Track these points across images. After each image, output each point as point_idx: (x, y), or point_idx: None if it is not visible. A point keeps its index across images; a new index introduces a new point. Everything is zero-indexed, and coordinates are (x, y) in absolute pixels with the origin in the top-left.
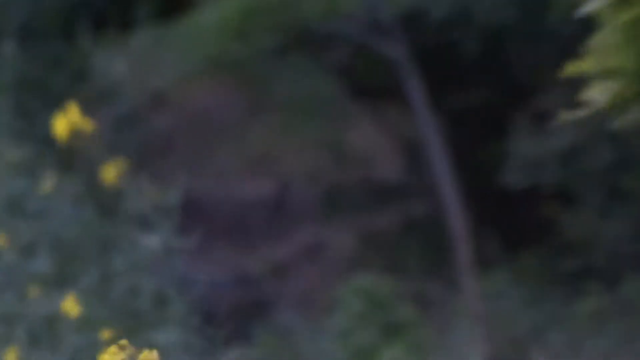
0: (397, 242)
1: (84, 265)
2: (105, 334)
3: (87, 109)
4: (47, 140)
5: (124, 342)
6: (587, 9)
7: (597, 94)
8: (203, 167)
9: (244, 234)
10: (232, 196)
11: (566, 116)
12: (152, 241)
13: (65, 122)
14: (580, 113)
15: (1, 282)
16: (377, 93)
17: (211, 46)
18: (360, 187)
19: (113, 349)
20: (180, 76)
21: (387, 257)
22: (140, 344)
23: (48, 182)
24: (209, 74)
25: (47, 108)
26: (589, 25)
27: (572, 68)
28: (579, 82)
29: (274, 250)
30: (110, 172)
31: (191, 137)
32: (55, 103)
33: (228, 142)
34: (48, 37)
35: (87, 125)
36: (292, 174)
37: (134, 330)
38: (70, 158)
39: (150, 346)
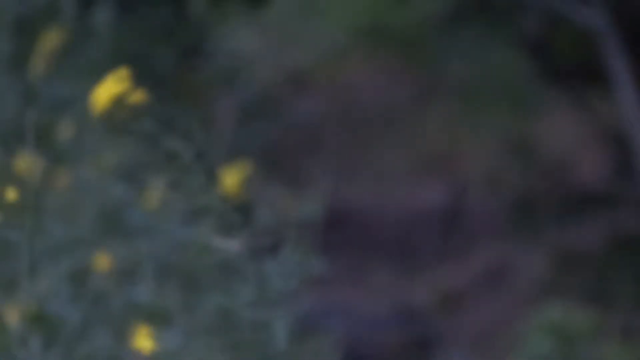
0: (602, 265)
1: (198, 297)
2: None
3: (204, 95)
4: (153, 135)
5: None
6: None
7: None
8: (357, 169)
9: (407, 254)
10: (394, 207)
11: None
12: (229, 245)
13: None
14: None
15: (94, 315)
16: (575, 74)
17: (365, 14)
18: (555, 195)
19: None
20: (327, 53)
21: (589, 283)
22: None
23: (155, 193)
24: (363, 49)
25: (150, 92)
26: None
27: None
28: None
29: (446, 276)
30: (232, 178)
31: (341, 131)
32: (161, 85)
33: (388, 136)
34: (152, 3)
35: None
36: (470, 178)
37: None
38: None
39: None
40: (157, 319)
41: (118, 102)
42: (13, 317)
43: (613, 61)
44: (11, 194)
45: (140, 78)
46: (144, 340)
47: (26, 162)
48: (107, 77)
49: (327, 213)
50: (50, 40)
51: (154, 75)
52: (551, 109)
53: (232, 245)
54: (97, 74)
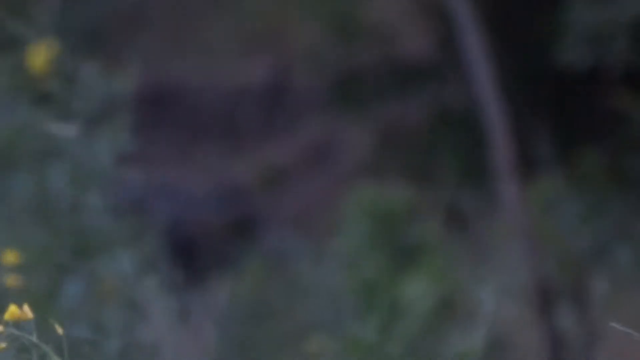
0: (426, 142)
1: (13, 179)
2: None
3: None
4: None
5: None
6: None
7: None
8: (183, 44)
9: (232, 132)
10: (220, 83)
11: None
12: (66, 130)
13: None
14: None
15: None
16: None
17: None
18: (379, 70)
19: None
20: None
21: (412, 160)
22: (82, 275)
23: None
24: None
25: None
26: None
27: None
28: None
29: (270, 154)
30: (40, 55)
31: (169, 5)
32: None
33: (216, 11)
34: None
35: None
36: (294, 53)
37: (77, 257)
38: None
39: (97, 277)
40: None
41: None
42: None
43: None
44: None
45: None
46: None
47: None
48: None
49: (151, 89)
50: None
51: None
52: None
53: (68, 131)
54: None
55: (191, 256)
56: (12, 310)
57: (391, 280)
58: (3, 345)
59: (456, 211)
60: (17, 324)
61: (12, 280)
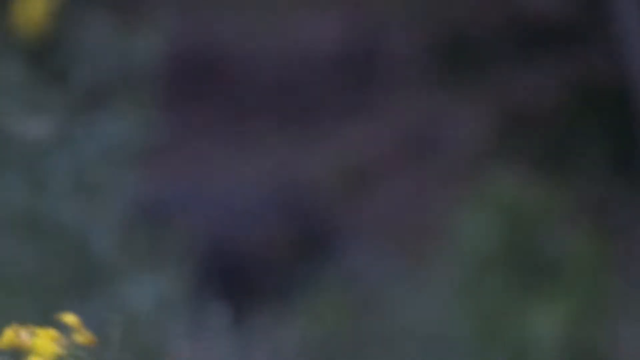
0: (561, 124)
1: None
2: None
3: None
4: None
5: None
6: None
7: None
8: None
9: (296, 115)
10: (276, 47)
11: None
12: (35, 128)
13: None
14: None
15: None
16: None
17: None
18: (499, 30)
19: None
20: None
21: (544, 148)
22: (94, 306)
23: None
24: None
25: None
26: None
27: None
28: None
29: (350, 142)
30: (36, 7)
31: None
32: None
33: None
34: None
35: None
36: (381, 8)
37: (85, 284)
38: None
39: (111, 308)
40: None
41: None
42: None
43: None
44: None
45: None
46: None
47: None
48: None
49: (185, 55)
50: None
51: None
52: None
53: (38, 128)
54: None
55: (243, 285)
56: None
57: (520, 313)
58: None
59: (607, 215)
60: None
61: None
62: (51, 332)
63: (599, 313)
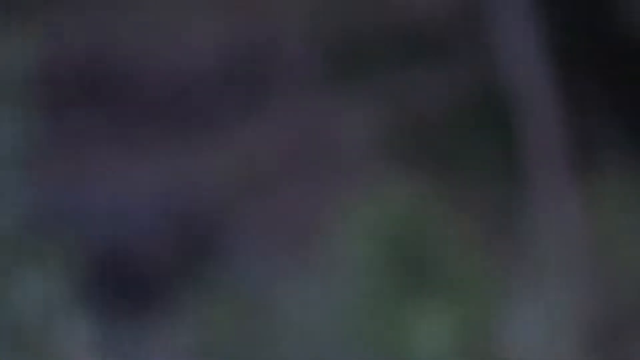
0: (447, 126)
1: None
2: None
3: None
4: None
5: None
6: None
7: None
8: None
9: (187, 118)
10: (171, 49)
11: None
12: None
13: None
14: None
15: None
16: None
17: None
18: (385, 36)
19: None
20: None
21: (430, 150)
22: None
23: None
24: None
25: None
26: None
27: None
28: None
29: (243, 145)
30: None
31: None
32: None
33: None
34: None
35: None
36: (274, 12)
37: None
38: None
39: None
40: None
41: None
42: None
43: None
44: None
45: None
46: None
47: None
48: None
49: (73, 57)
50: None
51: None
52: None
53: None
54: None
55: (131, 288)
56: None
57: (401, 312)
58: None
59: (489, 217)
60: None
61: None
62: None
63: (482, 314)
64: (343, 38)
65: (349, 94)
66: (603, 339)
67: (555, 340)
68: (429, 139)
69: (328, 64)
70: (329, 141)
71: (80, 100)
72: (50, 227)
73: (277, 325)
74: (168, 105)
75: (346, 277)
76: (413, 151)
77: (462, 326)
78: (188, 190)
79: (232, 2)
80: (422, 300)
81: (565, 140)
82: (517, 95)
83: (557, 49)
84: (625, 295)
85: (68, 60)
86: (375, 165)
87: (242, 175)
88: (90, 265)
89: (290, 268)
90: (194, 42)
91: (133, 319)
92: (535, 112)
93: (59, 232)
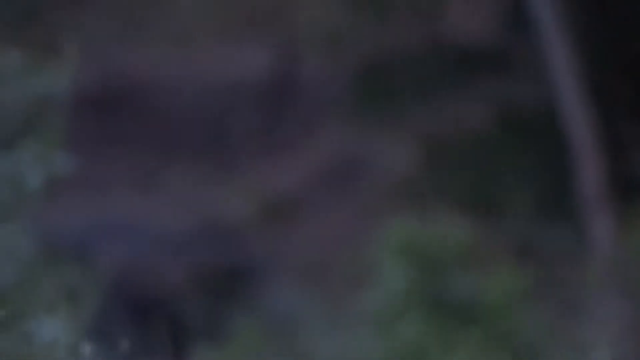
0: (484, 156)
1: None
2: None
3: None
4: None
5: None
6: None
7: None
8: (147, 24)
9: (217, 146)
10: (198, 78)
11: None
12: None
13: None
14: None
15: None
16: None
17: None
18: (420, 59)
19: None
20: None
21: (466, 182)
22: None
23: None
24: None
25: None
26: None
27: None
28: None
29: (270, 176)
30: None
31: None
32: None
33: None
34: None
35: None
36: (303, 37)
37: None
38: None
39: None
40: None
41: None
42: None
43: None
44: None
45: None
46: None
47: None
48: None
49: (100, 87)
50: None
51: None
52: None
53: None
54: None
55: (156, 322)
56: None
57: (439, 351)
58: None
59: (530, 252)
60: None
61: None
62: None
63: (524, 349)
64: (372, 57)
65: (380, 119)
66: None
67: None
68: (467, 169)
69: (356, 87)
70: (360, 172)
71: (109, 130)
72: (74, 259)
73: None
74: (195, 135)
75: (376, 313)
76: (449, 182)
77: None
78: (216, 221)
79: (257, 27)
80: (455, 338)
81: (606, 171)
82: (562, 122)
83: (599, 75)
84: None
85: (93, 87)
86: (411, 197)
87: (269, 205)
88: (115, 294)
89: (322, 305)
90: (219, 72)
91: (156, 349)
92: (577, 141)
93: (83, 264)
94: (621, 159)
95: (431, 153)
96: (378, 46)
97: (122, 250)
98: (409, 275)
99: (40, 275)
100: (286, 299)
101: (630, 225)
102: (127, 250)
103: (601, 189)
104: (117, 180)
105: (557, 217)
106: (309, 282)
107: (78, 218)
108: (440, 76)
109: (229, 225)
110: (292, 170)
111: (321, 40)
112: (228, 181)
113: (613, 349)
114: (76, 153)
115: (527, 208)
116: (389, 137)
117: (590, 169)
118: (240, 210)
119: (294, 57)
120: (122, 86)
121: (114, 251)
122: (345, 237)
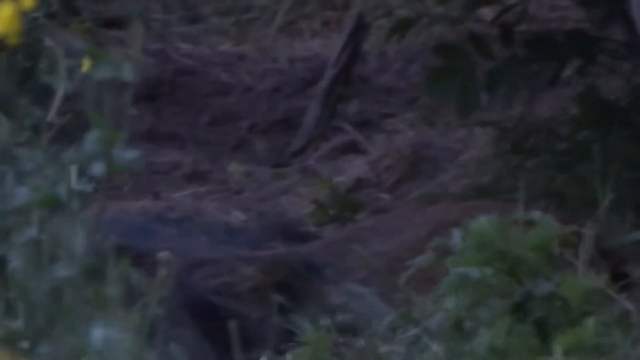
0: (574, 146)
1: None
2: None
3: None
4: None
5: None
6: None
7: None
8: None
9: (285, 137)
10: (266, 66)
11: None
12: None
13: None
14: None
15: None
16: None
17: None
18: (505, 33)
19: None
20: None
21: (551, 175)
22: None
23: None
24: None
25: None
26: None
27: None
28: None
29: (341, 166)
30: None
31: None
32: None
33: None
34: None
35: None
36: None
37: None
38: None
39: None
40: None
41: None
42: None
43: None
44: None
45: None
46: None
47: None
48: None
49: (170, 68)
50: None
51: None
52: None
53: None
54: None
55: (223, 327)
56: None
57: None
58: None
59: (623, 257)
60: None
61: None
62: None
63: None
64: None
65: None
66: None
67: None
68: (552, 160)
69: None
70: (430, 158)
71: (171, 124)
72: (129, 256)
73: None
74: (257, 123)
75: (450, 313)
76: (532, 175)
77: None
78: (281, 219)
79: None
80: (547, 348)
81: None
82: None
83: None
84: None
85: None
86: (491, 188)
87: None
88: (174, 301)
89: (387, 301)
90: (282, 61)
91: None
92: None
93: (141, 262)
94: None
95: (507, 140)
96: (454, 31)
97: (186, 247)
98: (485, 280)
99: (99, 274)
100: (355, 300)
101: None
102: (192, 247)
103: None
104: (180, 173)
105: None
106: (376, 280)
107: (140, 213)
108: (532, 53)
109: (298, 220)
110: (361, 160)
111: (391, 26)
112: (295, 172)
113: None
114: (141, 144)
115: (612, 207)
116: (467, 126)
117: None
118: (309, 205)
119: (362, 42)
120: (188, 64)
121: (177, 247)
122: (419, 233)
